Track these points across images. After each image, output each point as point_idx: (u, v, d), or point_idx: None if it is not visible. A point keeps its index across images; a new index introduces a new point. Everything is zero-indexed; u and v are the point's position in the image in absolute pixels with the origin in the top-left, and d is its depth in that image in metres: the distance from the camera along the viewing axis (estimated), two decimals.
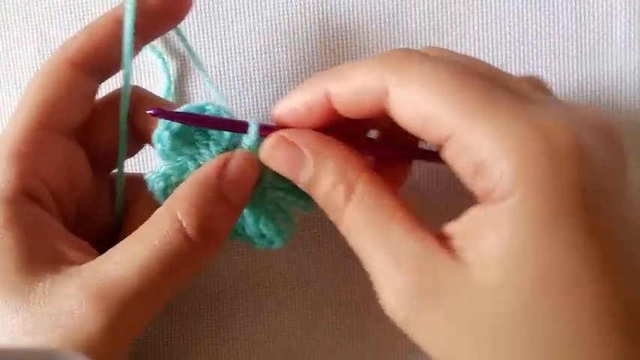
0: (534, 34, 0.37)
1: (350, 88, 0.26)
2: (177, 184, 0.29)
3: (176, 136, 0.30)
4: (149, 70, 0.38)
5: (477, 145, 0.23)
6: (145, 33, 0.32)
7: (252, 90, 0.37)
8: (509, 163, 0.22)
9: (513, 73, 0.36)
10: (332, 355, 0.38)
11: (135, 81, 0.38)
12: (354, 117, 0.28)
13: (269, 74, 0.37)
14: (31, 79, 0.31)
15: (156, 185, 0.30)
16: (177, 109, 0.30)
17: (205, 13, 0.37)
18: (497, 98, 0.23)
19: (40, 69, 0.31)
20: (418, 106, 0.25)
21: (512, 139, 0.22)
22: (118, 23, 0.31)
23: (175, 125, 0.29)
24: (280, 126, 0.29)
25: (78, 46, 0.30)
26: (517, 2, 0.37)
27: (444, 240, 0.25)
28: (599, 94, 0.37)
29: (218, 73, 0.37)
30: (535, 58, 0.37)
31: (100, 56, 0.31)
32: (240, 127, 0.29)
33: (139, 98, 0.32)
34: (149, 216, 0.29)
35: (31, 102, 0.30)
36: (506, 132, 0.22)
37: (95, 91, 0.32)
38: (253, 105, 0.37)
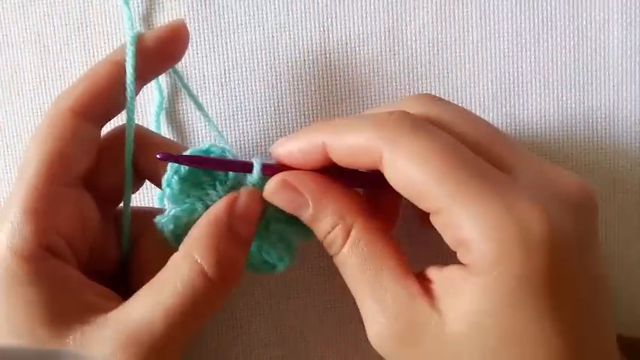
0: (532, 46, 0.37)
1: (345, 146, 0.28)
2: (186, 224, 0.31)
3: (184, 179, 0.31)
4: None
5: (460, 225, 0.26)
6: (143, 75, 0.32)
7: (252, 101, 0.38)
8: (486, 247, 0.25)
9: (512, 88, 0.37)
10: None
11: None
12: (351, 167, 0.29)
13: (270, 85, 0.38)
14: (34, 131, 0.31)
15: (166, 227, 0.31)
16: (184, 154, 0.31)
17: (206, 25, 0.37)
18: (479, 182, 0.26)
19: (42, 120, 0.31)
20: (409, 179, 0.27)
21: (489, 225, 0.25)
22: (118, 67, 0.31)
23: (183, 170, 0.31)
24: (281, 165, 0.31)
25: (80, 95, 0.31)
26: (515, 16, 0.37)
27: (425, 283, 0.28)
28: (598, 105, 0.37)
29: (218, 84, 0.38)
30: (533, 70, 0.37)
31: (102, 102, 0.31)
32: (245, 168, 0.31)
33: (140, 137, 0.33)
34: (156, 252, 0.30)
35: (38, 156, 0.30)
36: (484, 216, 0.25)
37: (99, 136, 0.32)
38: (254, 117, 0.38)
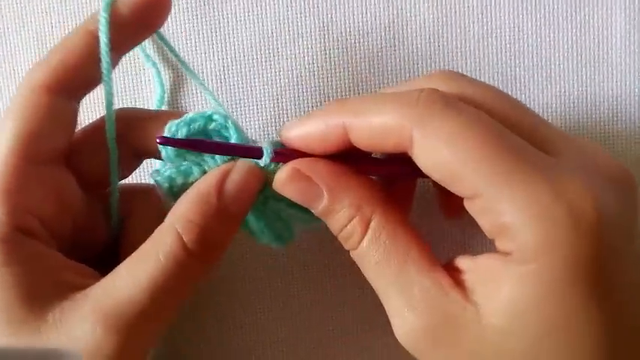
0: (534, 43, 0.37)
1: (369, 127, 0.26)
2: (182, 184, 0.29)
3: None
4: (142, 79, 0.38)
5: (502, 209, 0.24)
6: (119, 45, 0.30)
7: (252, 97, 0.37)
8: (533, 233, 0.23)
9: (514, 83, 0.37)
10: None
11: (128, 90, 0.38)
12: (372, 151, 0.27)
13: (269, 81, 0.37)
14: (6, 108, 0.29)
15: (161, 185, 0.30)
16: (184, 118, 0.29)
17: (205, 20, 0.37)
18: (521, 162, 0.24)
19: (14, 96, 0.29)
20: (443, 162, 0.25)
21: (537, 209, 0.23)
22: (91, 38, 0.29)
23: (181, 133, 0.29)
24: (292, 150, 0.29)
25: (52, 70, 0.29)
26: (516, 13, 0.37)
27: (455, 274, 0.26)
28: (600, 103, 0.37)
29: (218, 80, 0.37)
30: (534, 67, 0.37)
31: (76, 76, 0.29)
32: (254, 153, 0.29)
33: (131, 116, 0.32)
34: (146, 230, 0.29)
35: (10, 135, 0.28)
36: (530, 200, 0.23)
37: (76, 112, 0.31)
38: (254, 112, 0.37)
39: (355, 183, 0.28)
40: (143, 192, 0.34)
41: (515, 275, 0.24)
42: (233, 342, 0.38)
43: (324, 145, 0.28)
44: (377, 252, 0.27)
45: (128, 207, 0.33)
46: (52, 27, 0.38)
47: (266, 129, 0.38)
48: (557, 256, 0.23)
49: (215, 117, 0.29)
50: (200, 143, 0.29)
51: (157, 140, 0.28)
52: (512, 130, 0.25)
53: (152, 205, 0.33)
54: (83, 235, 0.32)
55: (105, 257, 0.33)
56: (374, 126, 0.26)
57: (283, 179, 0.28)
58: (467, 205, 0.26)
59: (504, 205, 0.24)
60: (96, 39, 0.29)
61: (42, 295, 0.28)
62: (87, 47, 0.29)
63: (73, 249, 0.31)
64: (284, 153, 0.29)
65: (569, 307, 0.23)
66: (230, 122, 0.30)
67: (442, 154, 0.24)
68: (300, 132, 0.28)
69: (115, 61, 0.31)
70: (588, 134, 0.37)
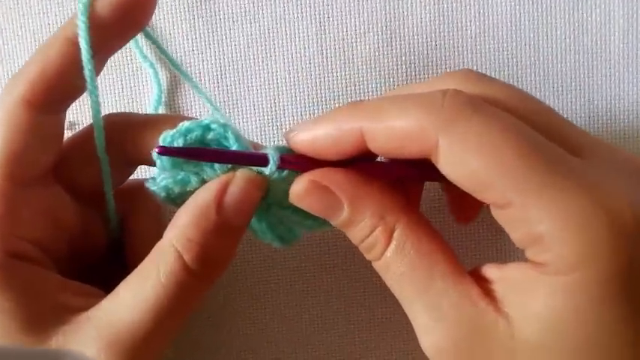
0: (531, 42, 0.37)
1: (389, 132, 0.24)
2: (179, 194, 0.28)
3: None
4: (139, 79, 0.38)
5: (536, 219, 0.22)
6: (101, 50, 0.28)
7: (249, 98, 0.37)
8: (571, 244, 0.22)
9: (512, 81, 0.37)
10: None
11: (125, 91, 0.38)
12: (388, 157, 0.26)
13: (266, 81, 0.37)
14: None
15: (157, 195, 0.28)
16: (179, 129, 0.27)
17: (202, 21, 0.37)
18: (555, 169, 0.23)
19: None
20: (472, 170, 0.23)
21: (575, 219, 0.22)
22: (71, 45, 0.27)
23: (176, 143, 0.27)
24: (300, 156, 0.27)
25: (31, 83, 0.27)
26: (513, 11, 0.36)
27: (483, 283, 0.25)
28: (599, 99, 0.37)
29: (214, 80, 0.37)
30: (532, 64, 0.37)
31: (58, 88, 0.28)
32: (259, 161, 0.27)
33: (123, 122, 0.30)
34: (148, 225, 0.29)
35: None
36: (568, 210, 0.22)
37: (62, 124, 0.29)
38: (251, 113, 0.37)
39: (377, 191, 0.26)
40: (140, 188, 0.32)
41: (550, 287, 0.23)
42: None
43: (335, 151, 0.26)
44: (402, 263, 0.25)
45: (127, 205, 0.32)
46: (49, 27, 0.38)
47: (263, 129, 0.38)
48: (597, 268, 0.22)
49: (213, 126, 0.28)
50: (201, 152, 0.27)
51: (156, 151, 0.26)
52: (541, 133, 0.24)
53: (151, 201, 0.31)
54: (81, 245, 0.31)
55: (108, 259, 0.33)
56: (395, 131, 0.24)
57: (300, 192, 0.26)
58: (495, 213, 0.24)
59: (539, 215, 0.22)
60: (76, 45, 0.27)
61: (42, 320, 0.27)
62: (67, 56, 0.27)
63: (72, 260, 0.31)
64: (291, 160, 0.27)
65: (610, 318, 0.22)
66: (230, 132, 0.28)
67: (471, 163, 0.23)
68: (310, 136, 0.26)
69: (99, 67, 0.29)
70: None
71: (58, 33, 0.28)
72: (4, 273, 0.27)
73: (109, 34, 0.28)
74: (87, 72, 0.28)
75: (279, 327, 0.38)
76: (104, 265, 0.31)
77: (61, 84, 0.28)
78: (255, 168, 0.28)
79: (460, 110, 0.23)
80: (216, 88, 0.37)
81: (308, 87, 0.37)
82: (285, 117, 0.37)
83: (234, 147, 0.28)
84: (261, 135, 0.38)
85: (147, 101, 0.38)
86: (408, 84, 0.37)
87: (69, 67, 0.27)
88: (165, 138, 0.27)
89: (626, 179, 0.23)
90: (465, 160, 0.23)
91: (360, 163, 0.27)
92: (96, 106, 0.29)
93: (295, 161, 0.27)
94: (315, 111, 0.37)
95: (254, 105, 0.37)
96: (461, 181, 0.24)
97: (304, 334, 0.38)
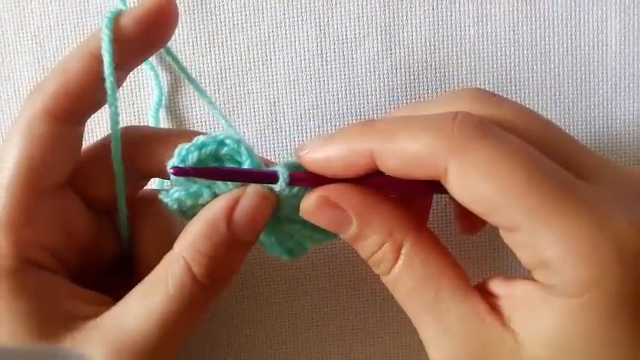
0: (529, 44, 0.37)
1: (401, 155, 0.25)
2: (192, 206, 0.29)
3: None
4: (140, 82, 0.38)
5: (544, 244, 0.23)
6: (123, 64, 0.29)
7: (249, 101, 0.38)
8: (578, 270, 0.22)
9: (509, 86, 0.37)
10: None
11: (126, 93, 0.38)
12: (401, 177, 0.26)
13: (266, 85, 0.37)
14: (8, 135, 0.28)
15: (170, 207, 0.29)
16: (194, 142, 0.28)
17: (202, 25, 0.37)
18: (563, 195, 0.23)
19: (16, 122, 0.28)
20: (481, 195, 0.24)
21: (582, 246, 0.22)
22: (94, 59, 0.28)
23: (190, 158, 0.28)
24: (310, 174, 0.28)
25: (53, 95, 0.28)
26: (512, 16, 0.37)
27: (489, 298, 0.25)
28: (596, 103, 0.37)
29: (215, 84, 0.38)
30: (530, 68, 0.37)
31: (80, 101, 0.28)
32: (269, 179, 0.28)
33: (138, 136, 0.31)
34: (158, 235, 0.29)
35: (14, 166, 0.28)
36: (575, 236, 0.22)
37: (81, 136, 0.30)
38: (251, 116, 0.38)
39: (385, 208, 0.27)
40: (152, 199, 0.33)
41: (558, 308, 0.23)
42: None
43: (346, 170, 0.26)
44: (410, 279, 0.26)
45: (138, 216, 0.32)
46: (50, 29, 0.38)
47: (263, 132, 0.38)
48: (606, 291, 0.22)
49: (227, 142, 0.28)
50: (214, 172, 0.28)
51: (171, 171, 0.27)
52: (549, 155, 0.24)
53: (162, 212, 0.32)
54: (93, 254, 0.32)
55: (118, 268, 0.33)
56: (405, 154, 0.25)
57: (311, 208, 0.27)
58: (503, 235, 0.25)
59: (547, 240, 0.23)
60: (98, 59, 0.28)
61: (52, 325, 0.28)
62: (90, 69, 0.28)
63: (84, 268, 0.31)
64: (301, 177, 0.28)
65: (617, 340, 0.23)
66: (243, 147, 0.28)
67: (480, 188, 0.23)
68: (321, 156, 0.27)
69: (119, 81, 0.29)
70: (582, 138, 0.37)
71: (81, 46, 0.28)
72: (19, 279, 0.28)
73: (132, 48, 0.29)
74: (108, 85, 0.28)
75: (280, 327, 0.39)
76: (114, 273, 0.32)
77: (82, 97, 0.28)
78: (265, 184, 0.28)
79: (470, 136, 0.24)
80: (217, 92, 0.38)
81: (308, 91, 0.37)
82: (285, 120, 0.38)
83: (246, 162, 0.28)
84: (261, 138, 0.38)
85: (148, 103, 0.38)
86: (418, 102, 0.37)
87: (91, 81, 0.28)
88: (181, 151, 0.28)
89: (634, 203, 0.24)
90: (473, 184, 0.24)
91: (370, 178, 0.27)
92: (115, 117, 0.29)
93: (305, 178, 0.28)
94: (315, 114, 0.38)
95: (254, 108, 0.38)
96: (470, 204, 0.24)
97: (304, 333, 0.39)
